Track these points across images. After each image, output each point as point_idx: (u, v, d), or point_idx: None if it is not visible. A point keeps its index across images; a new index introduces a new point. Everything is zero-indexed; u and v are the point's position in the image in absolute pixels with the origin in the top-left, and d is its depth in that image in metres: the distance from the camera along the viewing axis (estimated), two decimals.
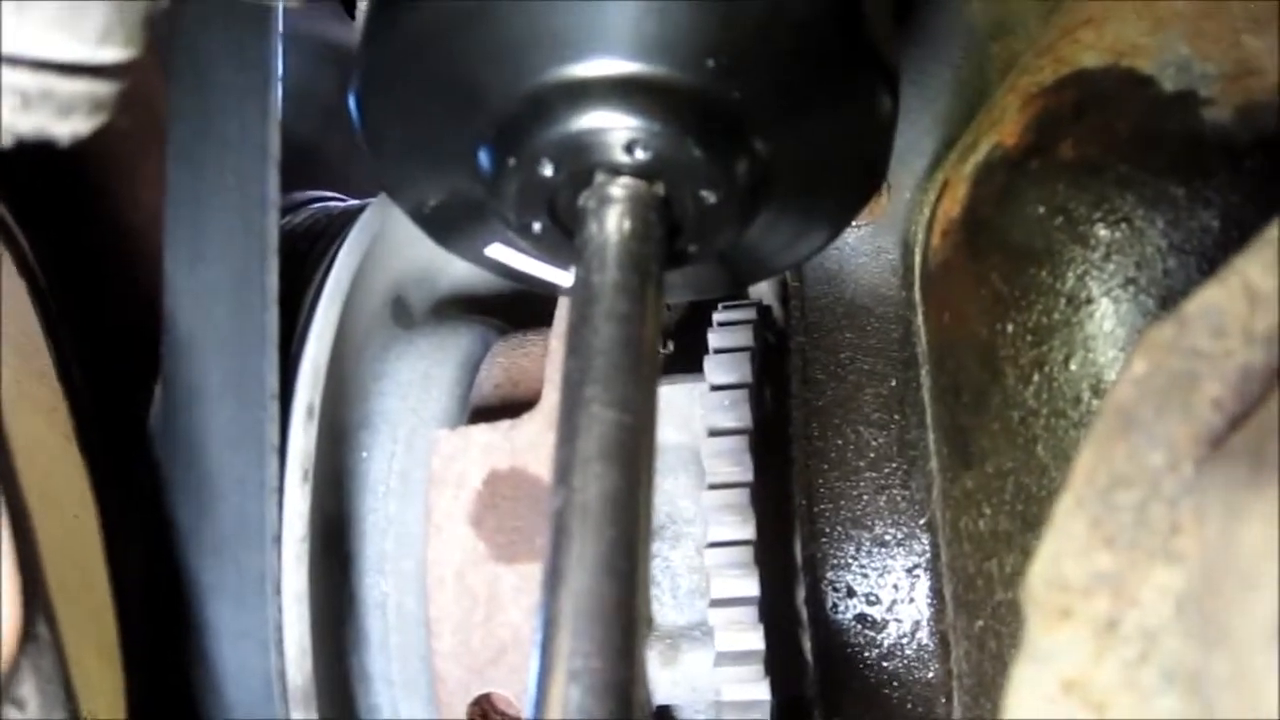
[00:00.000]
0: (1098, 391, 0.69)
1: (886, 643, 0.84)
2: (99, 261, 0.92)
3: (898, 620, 0.84)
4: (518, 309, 1.01)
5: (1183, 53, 0.71)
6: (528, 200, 0.60)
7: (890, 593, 0.84)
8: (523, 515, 0.86)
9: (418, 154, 0.64)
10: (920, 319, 0.83)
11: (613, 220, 0.56)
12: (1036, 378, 0.72)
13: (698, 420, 0.84)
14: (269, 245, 0.82)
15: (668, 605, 0.84)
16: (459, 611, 0.85)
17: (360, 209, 0.95)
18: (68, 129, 0.52)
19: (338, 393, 0.89)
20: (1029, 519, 0.72)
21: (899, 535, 0.84)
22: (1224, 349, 0.42)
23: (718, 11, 0.55)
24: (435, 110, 0.60)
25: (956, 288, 0.78)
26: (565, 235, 0.61)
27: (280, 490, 0.82)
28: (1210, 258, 0.67)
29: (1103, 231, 0.70)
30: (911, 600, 0.84)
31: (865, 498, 0.85)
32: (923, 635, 0.83)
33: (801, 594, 0.86)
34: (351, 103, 0.62)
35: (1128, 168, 0.70)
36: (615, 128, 0.57)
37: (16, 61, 0.49)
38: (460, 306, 1.03)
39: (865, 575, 0.85)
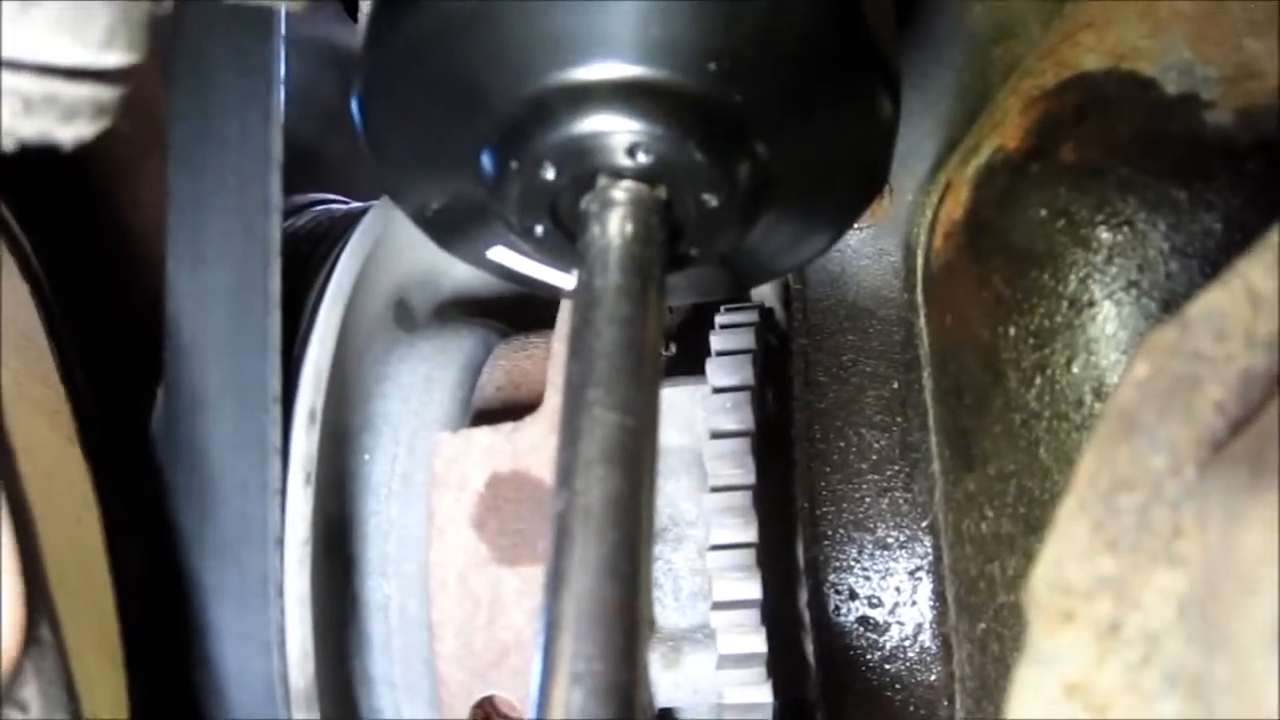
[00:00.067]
0: (1100, 394, 0.69)
1: (889, 645, 0.84)
2: (101, 265, 0.92)
3: (900, 623, 0.84)
4: (520, 312, 1.01)
5: (1184, 56, 0.71)
6: (530, 203, 0.60)
7: (892, 595, 0.84)
8: (525, 518, 0.86)
9: (420, 157, 0.64)
10: (922, 321, 0.83)
11: (615, 223, 0.56)
12: (1039, 380, 0.72)
13: (700, 423, 0.84)
14: (271, 248, 0.82)
15: (670, 608, 0.84)
16: (461, 614, 0.86)
17: (362, 212, 0.95)
18: (71, 133, 0.52)
19: (340, 396, 0.89)
20: (1031, 522, 0.72)
21: (901, 538, 0.84)
22: (1226, 352, 0.42)
23: (720, 15, 0.55)
24: (437, 113, 0.60)
25: (959, 290, 0.78)
26: (567, 238, 0.61)
27: (282, 493, 0.82)
28: (1212, 260, 0.67)
29: (1105, 234, 0.70)
30: (914, 603, 0.84)
31: (867, 500, 0.85)
32: (925, 638, 0.83)
33: (804, 597, 0.86)
34: (353, 106, 0.62)
35: (1129, 170, 0.70)
36: (617, 131, 0.57)
37: (19, 66, 0.50)
38: (462, 309, 1.03)
39: (868, 578, 0.85)
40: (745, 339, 0.86)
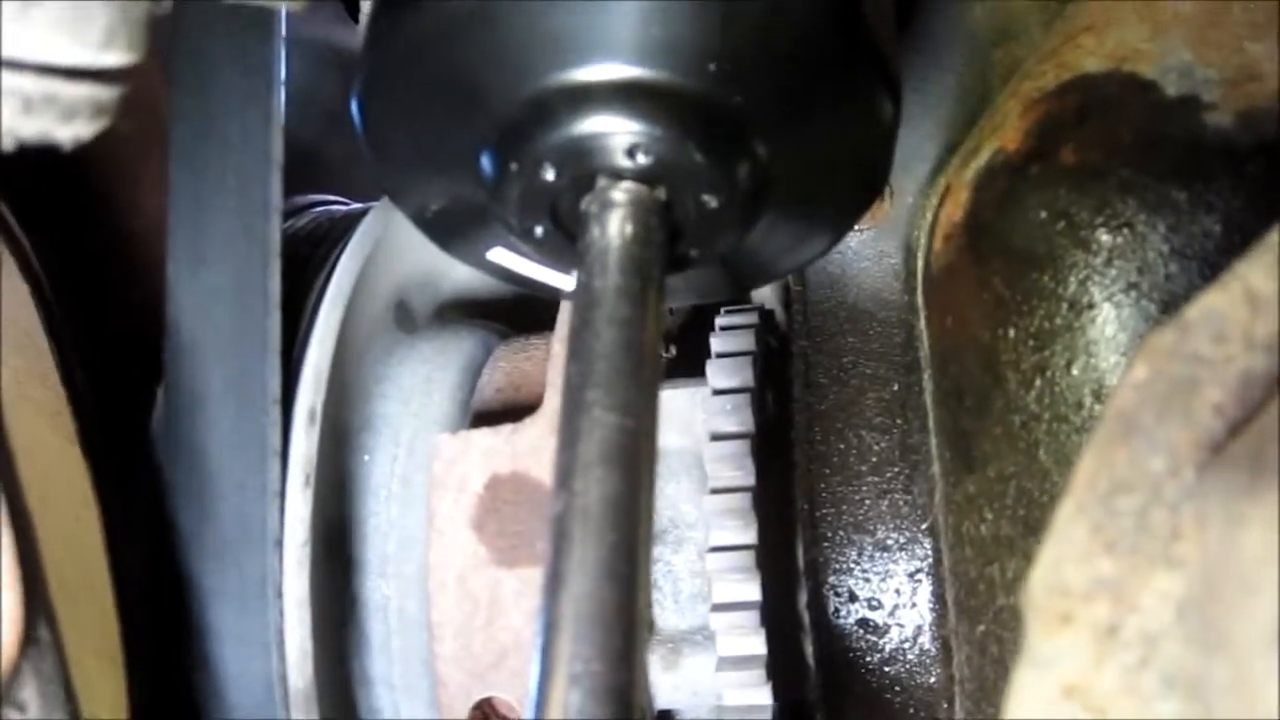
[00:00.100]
0: (1099, 396, 0.69)
1: (888, 647, 0.84)
2: (101, 265, 0.92)
3: (900, 625, 0.84)
4: (520, 313, 1.01)
5: (1185, 58, 0.71)
6: (530, 204, 0.60)
7: (892, 597, 0.84)
8: (524, 519, 0.86)
9: (420, 158, 0.64)
10: (922, 323, 0.83)
11: (614, 225, 0.56)
12: (1038, 382, 0.72)
13: (700, 424, 0.84)
14: (271, 249, 0.82)
15: (669, 609, 0.84)
16: (460, 615, 0.85)
17: (362, 213, 0.95)
18: (70, 133, 0.52)
19: (340, 397, 0.89)
20: (1031, 524, 0.72)
21: (901, 540, 0.84)
22: (1225, 354, 0.42)
23: (719, 16, 0.55)
24: (437, 114, 0.60)
25: (959, 292, 0.78)
26: (567, 239, 0.61)
27: (282, 494, 0.82)
28: (1212, 262, 0.67)
29: (1104, 236, 0.70)
30: (913, 605, 0.84)
31: (867, 502, 0.85)
32: (924, 640, 0.83)
33: (803, 599, 0.86)
34: (354, 107, 0.62)
35: (1129, 172, 0.70)
36: (617, 132, 0.57)
37: (19, 65, 0.50)
38: (462, 311, 1.03)
39: (867, 580, 0.85)
40: (745, 341, 0.86)
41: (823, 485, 0.86)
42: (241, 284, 0.82)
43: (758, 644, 0.80)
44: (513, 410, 0.91)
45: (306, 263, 0.94)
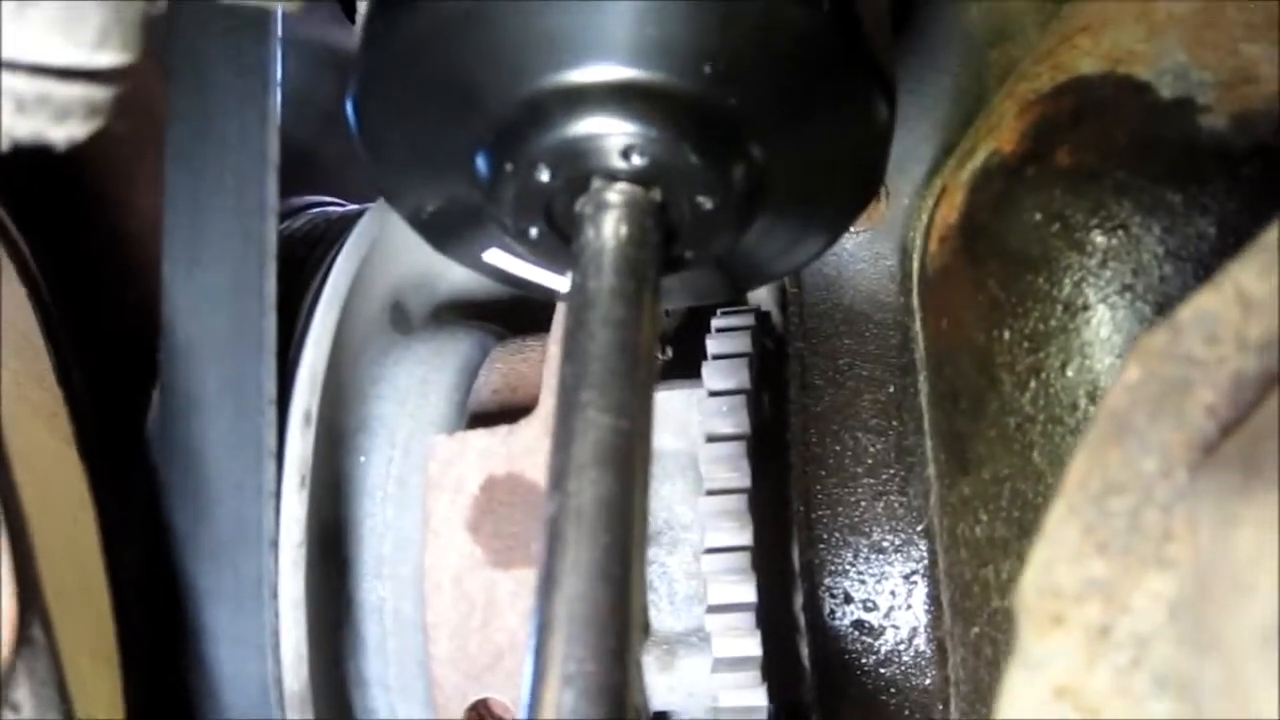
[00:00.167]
0: (1094, 398, 0.69)
1: (884, 649, 0.84)
2: (96, 266, 0.92)
3: (895, 627, 0.84)
4: (516, 314, 1.01)
5: (1180, 60, 0.71)
6: (525, 205, 0.60)
7: (888, 599, 0.84)
8: (519, 520, 0.86)
9: (415, 159, 0.64)
10: (918, 325, 0.83)
11: (609, 226, 0.56)
12: (1033, 384, 0.72)
13: (695, 426, 0.84)
14: (267, 250, 0.82)
15: (665, 611, 0.84)
16: (456, 616, 0.85)
17: (358, 214, 0.95)
18: (64, 134, 0.52)
19: (335, 398, 0.89)
20: (1025, 525, 0.72)
21: (896, 542, 0.84)
22: (1217, 355, 0.42)
23: (715, 17, 0.55)
24: (433, 115, 0.60)
25: (954, 294, 0.78)
26: (562, 240, 0.61)
27: (277, 495, 0.82)
28: (1206, 264, 0.67)
29: (1099, 238, 0.70)
30: (909, 607, 0.84)
31: (863, 504, 0.85)
32: (920, 642, 0.83)
33: (799, 600, 0.86)
34: (349, 107, 0.62)
35: (1125, 174, 0.70)
36: (612, 133, 0.57)
37: (13, 66, 0.50)
38: (458, 312, 1.03)
39: (863, 581, 0.85)
40: (741, 342, 0.86)
41: (818, 487, 0.86)
42: (237, 285, 0.82)
43: (753, 646, 0.80)
44: (509, 412, 0.91)
45: (302, 264, 0.94)
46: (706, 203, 0.59)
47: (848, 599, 0.85)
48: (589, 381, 0.52)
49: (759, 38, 0.56)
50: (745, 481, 0.81)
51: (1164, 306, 0.68)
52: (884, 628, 0.84)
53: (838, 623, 0.85)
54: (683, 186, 0.58)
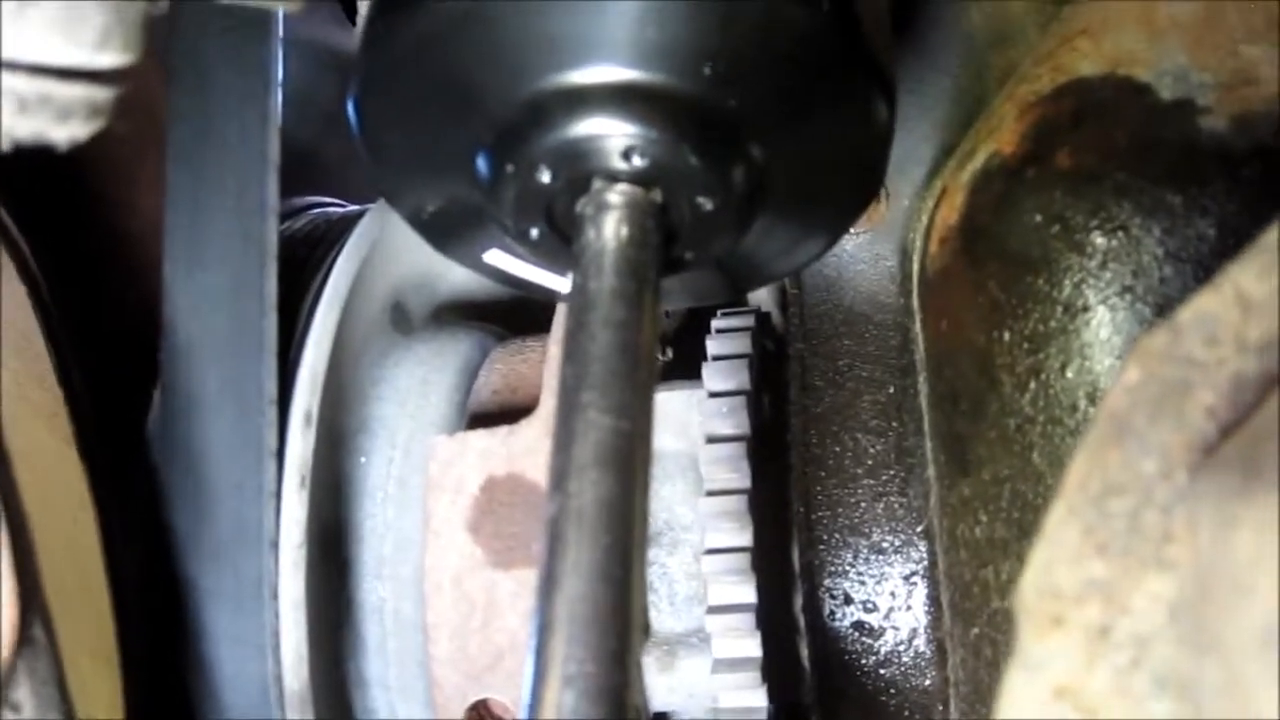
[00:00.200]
0: (1094, 399, 0.70)
1: (884, 650, 0.84)
2: (97, 266, 0.92)
3: (895, 627, 0.84)
4: (517, 315, 1.01)
5: (1180, 61, 0.71)
6: (525, 206, 0.60)
7: (888, 600, 0.84)
8: (520, 521, 0.86)
9: (416, 160, 0.64)
10: (918, 326, 0.83)
11: (610, 227, 0.56)
12: (1033, 385, 0.72)
13: (696, 427, 0.84)
14: (268, 251, 0.82)
15: (665, 612, 0.84)
16: (456, 617, 0.85)
17: (359, 215, 0.95)
18: (65, 134, 0.52)
19: (336, 399, 0.89)
20: (1025, 526, 0.72)
21: (896, 542, 0.84)
22: (1217, 357, 0.42)
23: (715, 18, 0.55)
24: (434, 116, 0.60)
25: (954, 295, 0.78)
26: (563, 241, 0.61)
27: (278, 496, 0.82)
28: (1206, 266, 0.67)
29: (1099, 239, 0.70)
30: (909, 608, 0.84)
31: (863, 505, 0.85)
32: (920, 642, 0.83)
33: (799, 601, 0.86)
34: (350, 108, 0.62)
35: (1125, 176, 0.70)
36: (613, 134, 0.57)
37: (14, 66, 0.50)
38: (459, 312, 1.03)
39: (863, 582, 0.85)
40: (742, 344, 0.86)
41: (818, 488, 0.86)
42: (238, 285, 0.82)
43: (753, 646, 0.80)
44: (509, 412, 0.91)
45: (303, 264, 0.94)
46: (707, 204, 0.59)
47: (848, 600, 0.85)
48: (590, 382, 0.52)
49: (759, 38, 0.56)
50: (745, 482, 0.81)
51: (1164, 308, 0.68)
52: (884, 629, 0.84)
53: (837, 624, 0.85)
54: (683, 187, 0.58)
